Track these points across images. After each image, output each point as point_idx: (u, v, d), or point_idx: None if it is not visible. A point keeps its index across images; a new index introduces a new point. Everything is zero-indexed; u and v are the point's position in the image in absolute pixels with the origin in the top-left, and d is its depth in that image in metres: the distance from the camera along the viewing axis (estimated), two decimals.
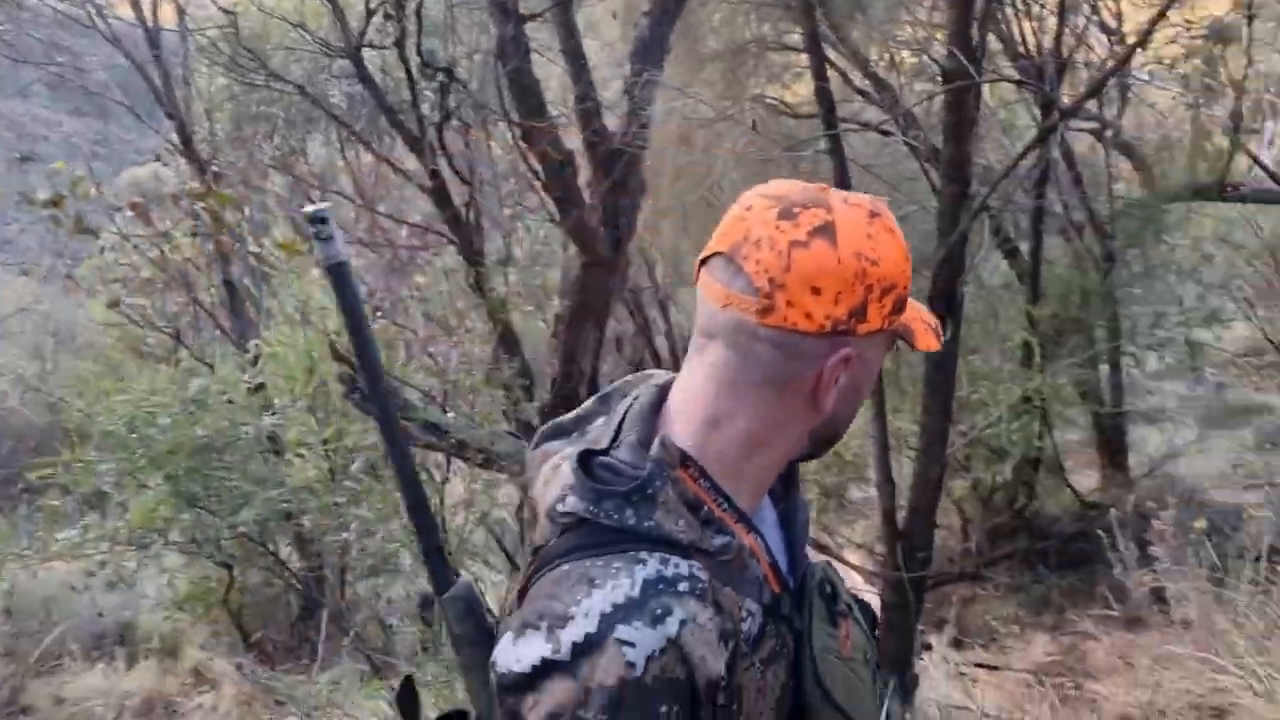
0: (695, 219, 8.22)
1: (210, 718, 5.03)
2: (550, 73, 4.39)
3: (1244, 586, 4.19)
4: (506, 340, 3.79)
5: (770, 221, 1.00)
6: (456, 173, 3.78)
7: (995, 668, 4.72)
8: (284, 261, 4.36)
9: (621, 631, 0.94)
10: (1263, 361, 10.65)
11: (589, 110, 3.56)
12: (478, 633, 1.10)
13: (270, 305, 5.41)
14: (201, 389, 2.55)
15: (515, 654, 0.97)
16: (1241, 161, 8.83)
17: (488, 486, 3.45)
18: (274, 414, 3.30)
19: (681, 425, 1.06)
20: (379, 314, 4.73)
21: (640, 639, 0.94)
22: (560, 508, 1.01)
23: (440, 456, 4.44)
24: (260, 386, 3.95)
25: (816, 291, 0.99)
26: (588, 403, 1.17)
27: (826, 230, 0.99)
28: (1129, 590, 5.00)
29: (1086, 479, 7.34)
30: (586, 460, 1.03)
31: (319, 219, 1.10)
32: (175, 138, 4.99)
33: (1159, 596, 4.74)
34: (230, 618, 5.74)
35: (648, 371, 1.18)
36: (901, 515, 3.27)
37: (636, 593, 0.96)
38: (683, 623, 0.96)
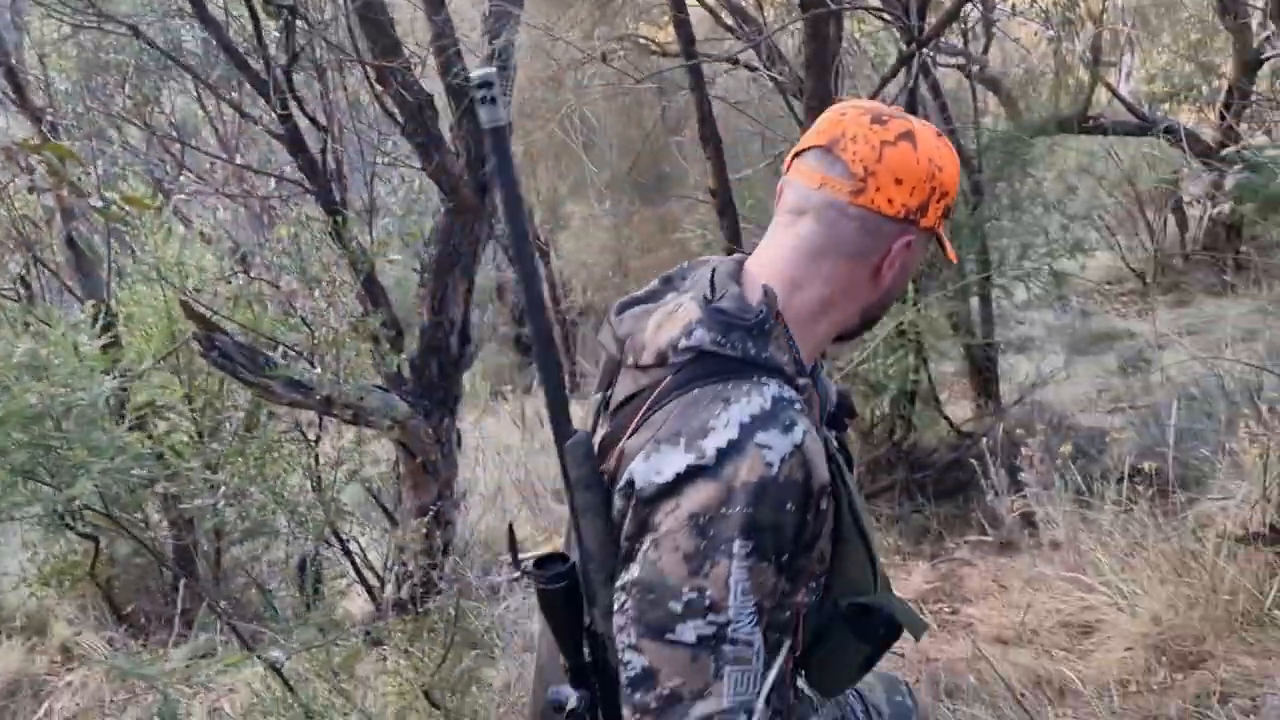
0: (570, 161, 8.14)
1: (80, 695, 4.83)
2: (407, 13, 4.22)
3: (1108, 507, 4.34)
4: (372, 291, 3.65)
5: (865, 124, 1.23)
6: (310, 118, 3.59)
7: None
8: (136, 217, 4.12)
9: (760, 438, 1.14)
10: (1124, 289, 11.07)
11: (448, 51, 3.41)
12: (592, 476, 1.24)
13: (125, 263, 5.14)
14: (28, 353, 2.39)
15: (655, 467, 1.17)
16: (1101, 94, 9.09)
17: (356, 444, 3.33)
18: (119, 377, 3.12)
19: (772, 281, 1.27)
20: (244, 270, 4.54)
21: (775, 444, 1.15)
22: (685, 342, 1.22)
23: (314, 415, 4.30)
24: (109, 346, 3.73)
25: (899, 182, 1.23)
26: (653, 283, 1.38)
27: (909, 136, 1.24)
28: (1001, 516, 5.15)
29: (961, 409, 7.52)
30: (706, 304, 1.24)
31: (485, 83, 1.19)
32: (6, 86, 4.66)
33: (1029, 521, 4.88)
34: (99, 591, 5.51)
35: (703, 258, 1.40)
36: None
37: (769, 406, 1.17)
38: (804, 433, 1.17)
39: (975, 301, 6.57)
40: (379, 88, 3.37)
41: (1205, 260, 10.18)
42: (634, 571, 1.18)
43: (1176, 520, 4.29)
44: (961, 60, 7.95)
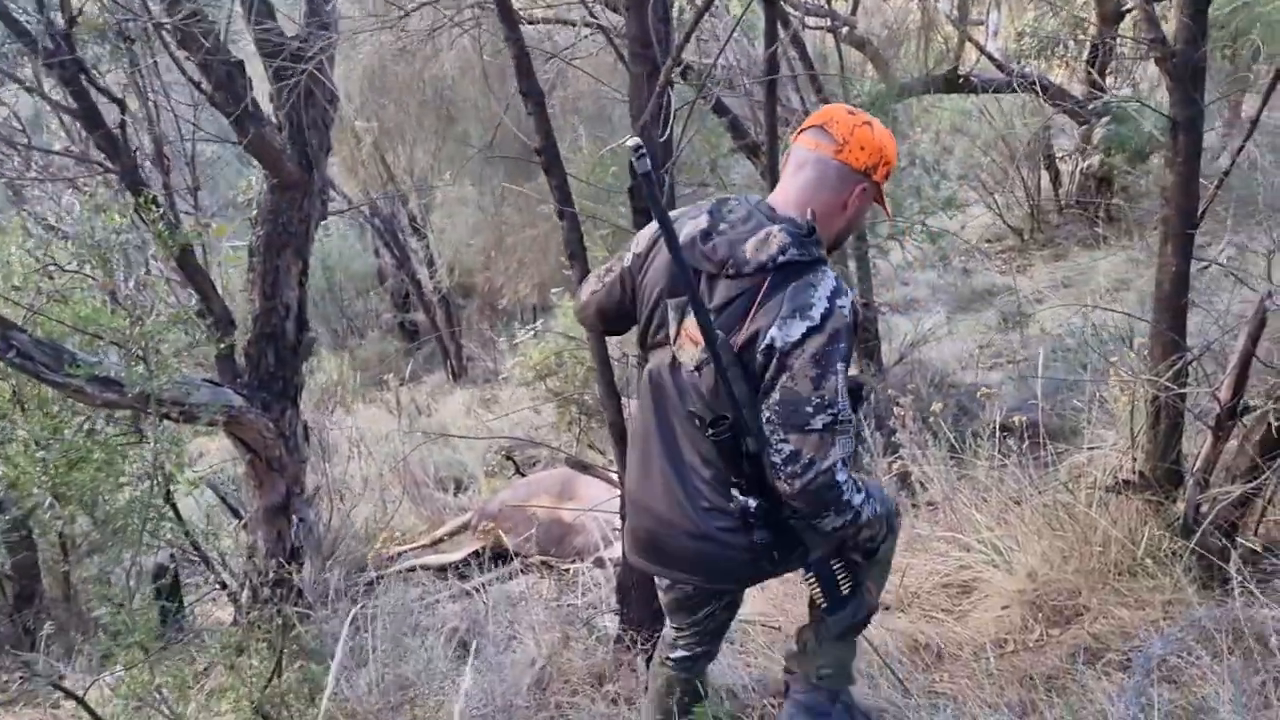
0: (431, 137, 7.85)
1: None
2: None
3: (982, 464, 4.28)
4: (192, 276, 3.36)
5: (844, 113, 2.10)
6: (102, 90, 3.27)
7: None
8: None
9: (838, 302, 1.97)
10: (1003, 246, 11.18)
11: (259, 10, 3.13)
12: (733, 358, 2.01)
13: None
14: None
15: (787, 333, 1.95)
16: (971, 53, 9.11)
17: (175, 443, 3.05)
18: None
19: (790, 210, 2.08)
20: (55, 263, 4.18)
21: (844, 303, 1.99)
22: (782, 257, 1.98)
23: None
24: None
25: (862, 149, 2.07)
26: (699, 218, 2.12)
27: (869, 124, 2.11)
28: (879, 477, 5.07)
29: None
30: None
31: (637, 148, 1.96)
32: None
33: (905, 481, 4.80)
34: None
35: (726, 196, 2.17)
36: None
37: (835, 284, 2.01)
38: (849, 294, 2.01)
39: (852, 265, 6.49)
40: (183, 53, 3.08)
41: (1078, 214, 10.31)
42: (776, 396, 1.97)
43: (1050, 473, 4.24)
44: (828, 20, 7.85)
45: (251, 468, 3.73)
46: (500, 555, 5.59)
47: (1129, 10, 8.45)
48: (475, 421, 9.50)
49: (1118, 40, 9.27)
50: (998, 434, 4.38)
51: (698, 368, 2.08)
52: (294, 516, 3.86)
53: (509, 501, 5.68)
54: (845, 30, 7.92)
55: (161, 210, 3.16)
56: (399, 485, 7.10)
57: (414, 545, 6.14)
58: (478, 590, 5.20)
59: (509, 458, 6.64)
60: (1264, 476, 3.06)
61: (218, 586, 4.71)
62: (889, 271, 8.54)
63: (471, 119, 6.70)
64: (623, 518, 2.50)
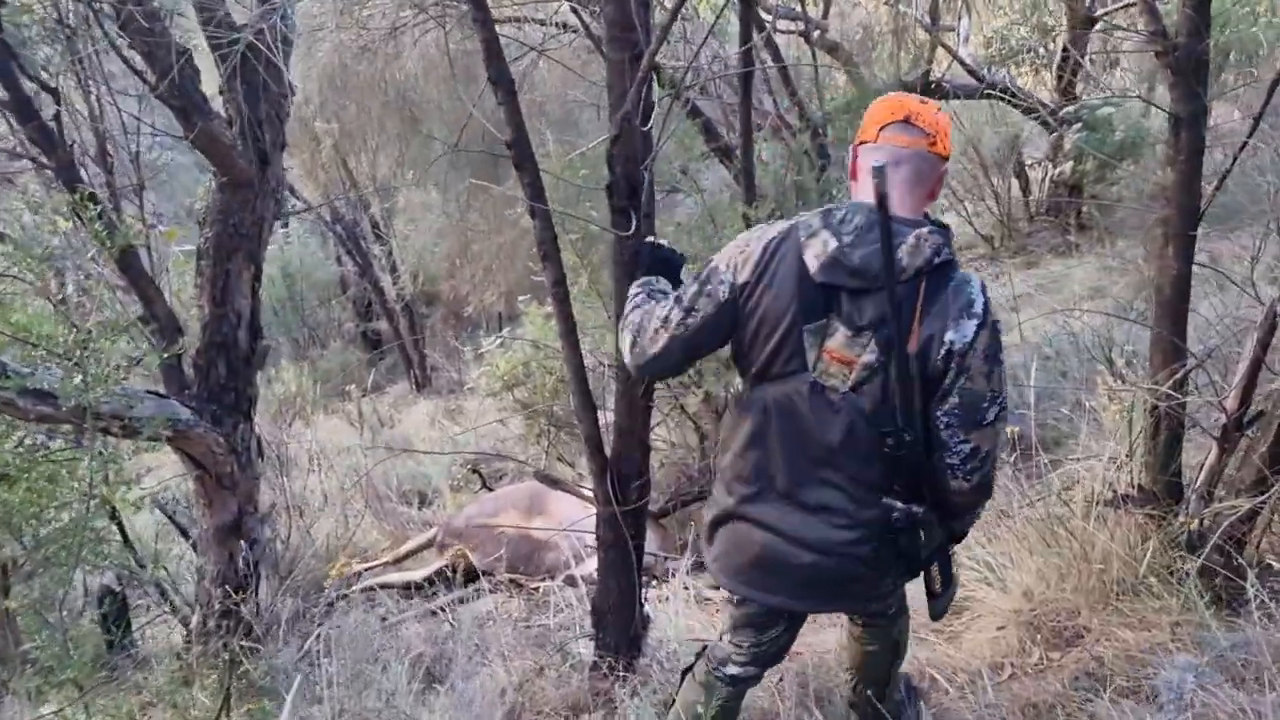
0: (395, 136, 7.60)
1: None
2: None
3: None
4: (136, 280, 3.12)
5: (917, 103, 2.05)
6: (31, 78, 3.04)
7: None
8: None
9: (987, 293, 2.02)
10: (975, 254, 11.09)
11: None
12: (906, 368, 1.97)
13: None
14: None
15: (961, 334, 1.96)
16: (942, 58, 9.02)
17: (111, 460, 2.81)
18: None
19: (904, 211, 2.02)
20: None
21: (988, 295, 2.02)
22: (938, 259, 1.97)
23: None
24: None
25: (946, 136, 2.07)
26: (820, 233, 2.03)
27: (938, 109, 2.08)
28: None
29: None
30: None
31: (879, 168, 1.88)
32: None
33: None
34: None
35: (829, 206, 2.10)
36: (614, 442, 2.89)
37: (978, 282, 2.02)
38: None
39: None
40: (123, 38, 2.85)
41: (1049, 221, 10.24)
42: (955, 399, 1.99)
43: (1041, 485, 4.09)
44: (801, 25, 7.72)
45: (201, 485, 3.49)
46: (467, 574, 5.36)
47: (1101, 16, 8.37)
48: (439, 433, 9.25)
49: (1088, 48, 9.22)
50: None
51: (855, 387, 2.02)
52: (247, 537, 3.62)
53: (475, 518, 5.46)
54: (817, 34, 7.79)
55: (100, 208, 2.93)
56: (361, 500, 6.85)
57: (376, 563, 5.89)
58: (443, 610, 4.98)
59: (475, 471, 6.41)
60: (1274, 489, 2.91)
61: (167, 611, 4.45)
62: None
63: (436, 121, 6.47)
64: (710, 541, 2.35)
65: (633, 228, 2.37)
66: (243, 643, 3.23)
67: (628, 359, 2.22)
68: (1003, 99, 9.50)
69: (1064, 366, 6.41)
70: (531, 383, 5.53)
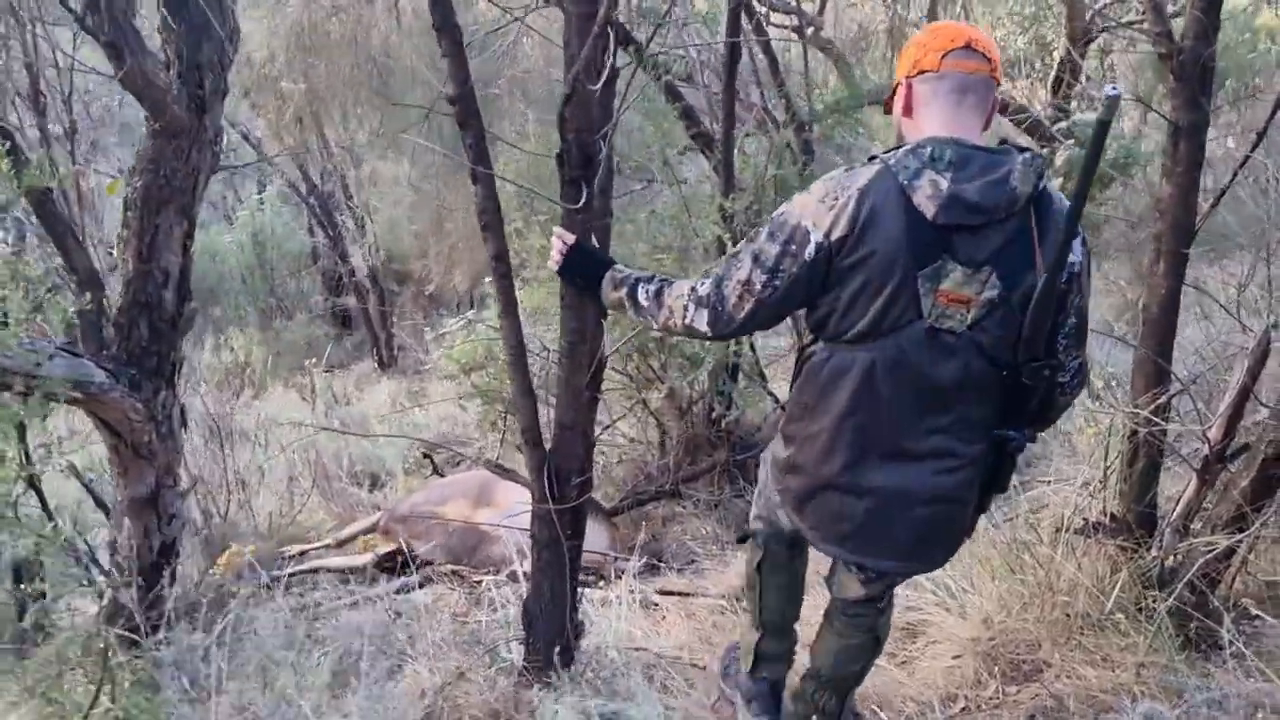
0: (366, 102, 7.31)
1: None
2: None
3: None
4: (52, 227, 2.89)
5: (969, 29, 2.00)
6: None
7: (688, 594, 4.28)
8: None
9: None
10: None
11: None
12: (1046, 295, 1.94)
13: None
14: None
15: (1076, 254, 1.96)
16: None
17: (10, 419, 2.57)
18: None
19: (980, 139, 1.97)
20: None
21: None
22: (1041, 183, 1.94)
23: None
24: None
25: (999, 58, 2.02)
26: (935, 175, 1.88)
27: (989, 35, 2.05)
28: None
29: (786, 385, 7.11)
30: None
31: (1114, 95, 1.75)
32: None
33: None
34: None
35: (908, 144, 1.94)
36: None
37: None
38: None
39: None
40: None
41: None
42: (1074, 319, 2.01)
43: (1008, 506, 3.91)
44: (794, 20, 7.52)
45: (116, 454, 3.26)
46: (410, 561, 5.15)
47: (1102, 30, 8.21)
48: (399, 414, 9.01)
49: (1083, 64, 9.05)
50: None
51: (974, 324, 1.95)
52: (164, 512, 3.39)
53: (420, 505, 5.24)
54: (811, 30, 7.59)
55: (8, 144, 2.69)
56: (309, 478, 6.62)
57: (318, 544, 5.66)
58: (380, 600, 4.76)
59: (427, 456, 6.18)
60: (1254, 528, 2.73)
61: (83, 584, 4.21)
62: None
63: (410, 86, 6.23)
64: (799, 510, 2.21)
65: (582, 200, 2.16)
66: (153, 625, 3.01)
67: (708, 330, 2.09)
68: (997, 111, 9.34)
69: None
70: (492, 367, 5.31)
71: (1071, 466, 4.13)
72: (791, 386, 2.19)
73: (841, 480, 2.09)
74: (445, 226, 8.38)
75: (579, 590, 2.93)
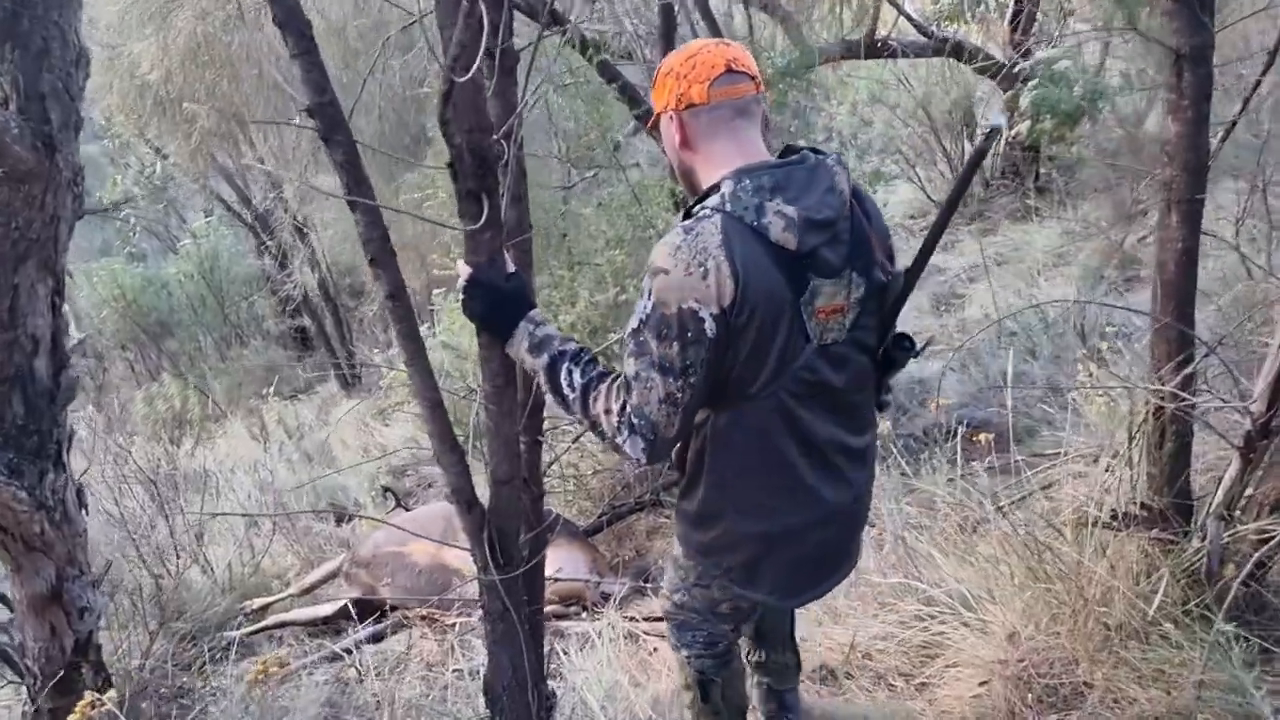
0: (277, 115, 6.80)
1: None
2: None
3: (936, 487, 3.55)
4: None
5: (727, 48, 1.92)
6: None
7: None
8: None
9: None
10: (927, 222, 10.56)
11: None
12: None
13: None
14: None
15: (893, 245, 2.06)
16: (888, 15, 8.43)
17: None
18: None
19: (770, 154, 1.96)
20: None
21: None
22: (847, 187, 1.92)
23: None
24: None
25: (759, 73, 1.96)
26: (779, 204, 1.83)
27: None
28: None
29: None
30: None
31: (995, 128, 1.79)
32: None
33: None
34: None
35: (742, 166, 1.87)
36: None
37: None
38: None
39: None
40: None
41: (1006, 186, 9.71)
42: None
43: (1017, 489, 3.53)
44: None
45: (4, 549, 2.84)
46: (376, 609, 4.75)
47: None
48: (367, 438, 8.58)
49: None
50: (953, 442, 3.66)
51: (853, 326, 1.96)
52: (71, 606, 2.97)
53: (383, 544, 4.83)
54: None
55: None
56: (269, 521, 6.20)
57: (280, 596, 5.25)
58: (348, 652, 4.37)
59: (387, 490, 5.76)
60: None
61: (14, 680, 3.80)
62: None
63: (347, 99, 5.75)
64: (750, 569, 2.10)
65: (483, 217, 1.75)
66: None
67: (643, 458, 1.87)
68: (954, 57, 8.96)
69: (1031, 344, 5.87)
70: (445, 385, 4.89)
71: (1082, 439, 3.76)
72: (688, 469, 2.06)
73: (794, 524, 2.03)
74: (392, 237, 7.90)
75: (545, 660, 2.54)
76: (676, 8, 5.07)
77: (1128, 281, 6.60)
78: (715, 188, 1.87)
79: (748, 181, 1.83)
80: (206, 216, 13.10)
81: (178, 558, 5.18)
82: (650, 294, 1.80)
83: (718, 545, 2.08)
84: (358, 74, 5.51)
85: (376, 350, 7.85)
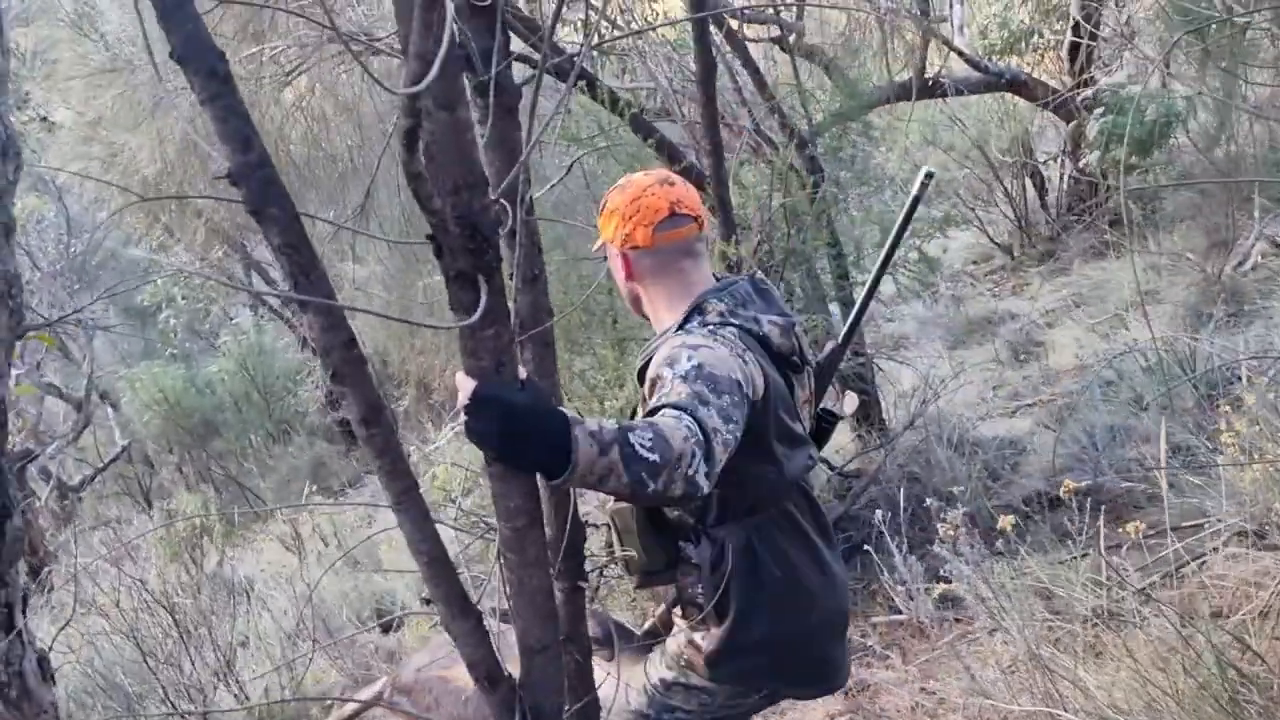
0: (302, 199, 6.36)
1: None
2: None
3: (1054, 572, 2.97)
4: None
5: (671, 190, 1.95)
6: None
7: None
8: None
9: None
10: (991, 267, 9.97)
11: None
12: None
13: None
14: None
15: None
16: (935, 55, 7.95)
17: None
18: None
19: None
20: None
21: None
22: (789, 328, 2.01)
23: None
24: None
25: (703, 212, 2.01)
26: (763, 308, 1.98)
27: (680, 182, 2.01)
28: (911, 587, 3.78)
29: (838, 441, 6.16)
30: None
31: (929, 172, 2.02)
32: None
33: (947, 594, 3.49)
34: None
35: (704, 293, 1.97)
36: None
37: None
38: None
39: (835, 308, 5.23)
40: None
41: (1075, 222, 9.11)
42: None
43: (1151, 570, 2.95)
44: (773, 30, 6.70)
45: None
46: None
47: None
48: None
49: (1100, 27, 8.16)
50: (1078, 517, 3.08)
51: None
52: None
53: (426, 668, 4.29)
54: (794, 38, 6.73)
55: None
56: (308, 634, 5.72)
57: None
58: None
59: (427, 602, 5.26)
60: None
61: None
62: (874, 308, 7.25)
63: (353, 179, 5.38)
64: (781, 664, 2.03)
65: (480, 308, 1.26)
66: None
67: (705, 486, 1.57)
68: (1009, 90, 8.45)
69: (1133, 391, 5.25)
70: (482, 489, 4.42)
71: (1212, 502, 3.16)
72: (690, 606, 2.00)
73: (811, 621, 2.01)
74: (429, 322, 7.51)
75: None
76: (714, 53, 4.63)
77: (1231, 318, 5.96)
78: (699, 309, 1.93)
79: (728, 300, 1.93)
80: (253, 309, 12.90)
81: (201, 690, 4.72)
82: (690, 359, 1.70)
83: (750, 648, 1.98)
84: (373, 153, 5.12)
85: (414, 445, 7.39)
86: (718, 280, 2.01)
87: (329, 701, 5.28)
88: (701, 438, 1.57)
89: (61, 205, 9.29)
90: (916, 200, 1.96)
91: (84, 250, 10.11)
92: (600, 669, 1.92)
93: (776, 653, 1.99)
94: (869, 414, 5.37)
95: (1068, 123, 8.49)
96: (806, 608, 1.99)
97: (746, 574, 1.92)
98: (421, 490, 1.52)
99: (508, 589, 1.60)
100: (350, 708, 4.76)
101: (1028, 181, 9.67)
